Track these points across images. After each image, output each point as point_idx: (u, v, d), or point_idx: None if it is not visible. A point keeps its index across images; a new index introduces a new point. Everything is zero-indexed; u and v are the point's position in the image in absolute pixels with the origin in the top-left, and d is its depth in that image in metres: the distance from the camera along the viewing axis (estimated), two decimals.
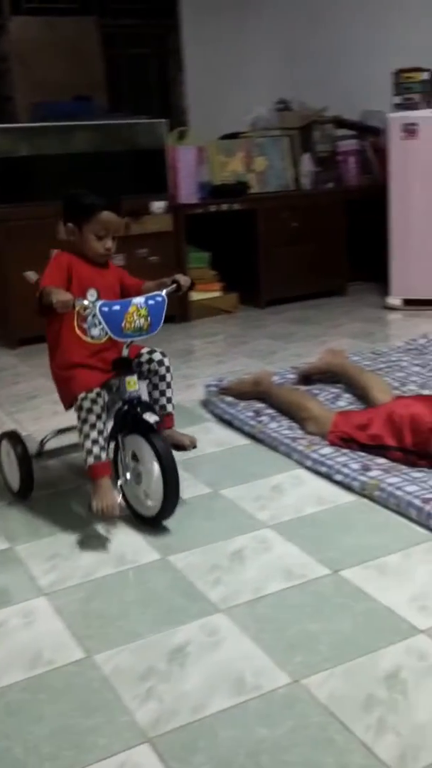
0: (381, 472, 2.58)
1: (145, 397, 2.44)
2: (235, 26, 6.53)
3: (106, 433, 2.31)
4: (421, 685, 1.62)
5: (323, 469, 2.69)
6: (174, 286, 2.45)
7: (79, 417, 2.29)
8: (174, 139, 5.34)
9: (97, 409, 2.27)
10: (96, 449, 2.27)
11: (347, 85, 5.90)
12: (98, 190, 2.38)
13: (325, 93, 5.79)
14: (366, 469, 2.62)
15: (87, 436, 2.27)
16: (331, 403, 3.28)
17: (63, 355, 2.41)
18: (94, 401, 2.27)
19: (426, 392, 3.35)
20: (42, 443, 2.71)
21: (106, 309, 2.20)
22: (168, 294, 2.37)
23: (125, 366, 2.33)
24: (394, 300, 5.25)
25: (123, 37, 6.38)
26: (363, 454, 2.74)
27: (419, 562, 2.11)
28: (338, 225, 5.62)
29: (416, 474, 2.55)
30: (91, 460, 2.28)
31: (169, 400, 2.52)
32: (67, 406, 2.44)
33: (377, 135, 5.61)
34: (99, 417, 2.28)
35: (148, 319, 2.26)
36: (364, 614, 1.88)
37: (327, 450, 2.79)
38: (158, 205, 5.02)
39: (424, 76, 4.98)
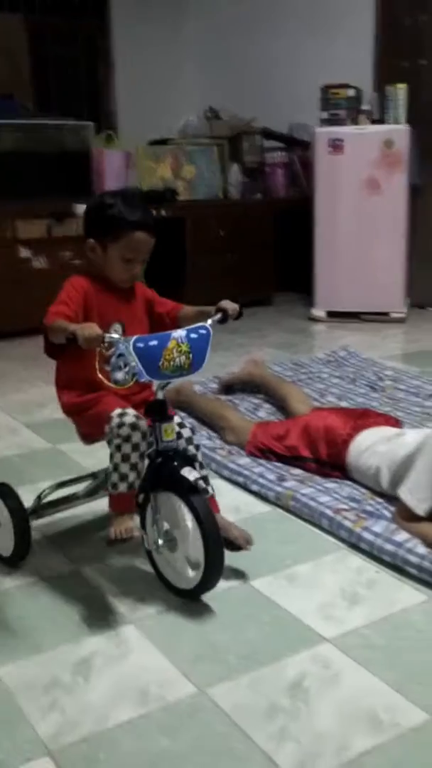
0: (296, 482, 2.65)
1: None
2: (167, 31, 6.57)
3: (139, 471, 1.96)
4: (323, 693, 1.67)
5: (240, 479, 2.73)
6: (219, 315, 2.07)
7: (111, 442, 1.93)
8: (101, 142, 5.34)
9: (136, 437, 1.92)
10: (123, 484, 1.94)
11: (276, 97, 6.02)
12: (130, 201, 2.00)
13: (254, 103, 5.90)
14: (281, 479, 2.68)
15: (116, 467, 1.93)
16: (251, 413, 3.34)
17: (85, 392, 2.06)
18: (133, 427, 1.91)
19: (344, 404, 3.44)
20: (39, 498, 2.27)
21: (141, 345, 1.83)
22: (214, 324, 2.02)
23: (161, 411, 1.94)
24: (318, 312, 5.37)
25: (51, 36, 6.33)
26: (280, 464, 2.80)
27: (328, 572, 2.17)
28: (265, 235, 5.72)
29: (329, 485, 2.62)
30: (121, 488, 1.95)
31: (206, 482, 2.08)
32: (92, 436, 2.10)
33: (305, 148, 5.74)
34: (136, 448, 1.93)
35: (190, 356, 1.89)
36: (271, 624, 1.92)
37: (244, 460, 2.84)
38: (82, 208, 4.99)
39: (350, 92, 5.12)
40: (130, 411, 1.94)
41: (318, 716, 1.60)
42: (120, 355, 1.86)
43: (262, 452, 2.88)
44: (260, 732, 1.56)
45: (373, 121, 5.12)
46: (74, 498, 2.34)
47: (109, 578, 2.13)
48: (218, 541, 1.91)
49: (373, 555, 2.22)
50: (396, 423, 2.90)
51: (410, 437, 2.53)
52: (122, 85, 6.53)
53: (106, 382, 2.03)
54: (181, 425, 2.07)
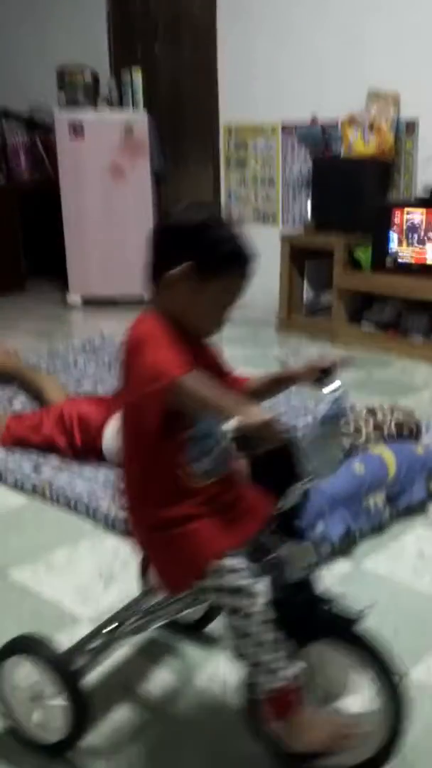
0: (52, 471, 2.77)
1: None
2: None
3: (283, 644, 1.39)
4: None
5: None
6: (319, 376, 1.51)
7: (232, 608, 1.37)
8: None
9: (256, 589, 1.38)
10: (283, 662, 1.37)
11: (17, 76, 5.96)
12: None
13: None
14: (38, 469, 2.78)
15: (260, 638, 1.36)
16: (5, 405, 3.38)
17: (165, 503, 1.43)
18: (251, 576, 1.38)
19: (100, 390, 3.59)
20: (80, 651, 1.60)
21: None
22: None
23: (291, 525, 1.44)
24: (73, 298, 5.46)
25: None
26: (36, 455, 2.90)
27: (85, 556, 2.32)
28: (11, 221, 5.69)
29: (86, 471, 2.77)
30: (279, 680, 1.37)
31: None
32: (182, 586, 1.48)
33: (47, 131, 5.77)
34: (261, 601, 1.38)
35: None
36: (30, 612, 2.04)
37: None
38: None
39: (87, 76, 5.22)
40: (240, 560, 1.38)
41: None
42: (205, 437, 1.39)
43: (18, 444, 2.95)
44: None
45: (113, 106, 5.26)
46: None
47: None
48: (407, 703, 1.41)
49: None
50: None
51: None
52: None
53: (185, 477, 1.42)
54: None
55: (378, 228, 4.37)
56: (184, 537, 1.39)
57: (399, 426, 2.74)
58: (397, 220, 4.29)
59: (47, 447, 2.92)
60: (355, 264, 4.52)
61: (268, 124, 5.12)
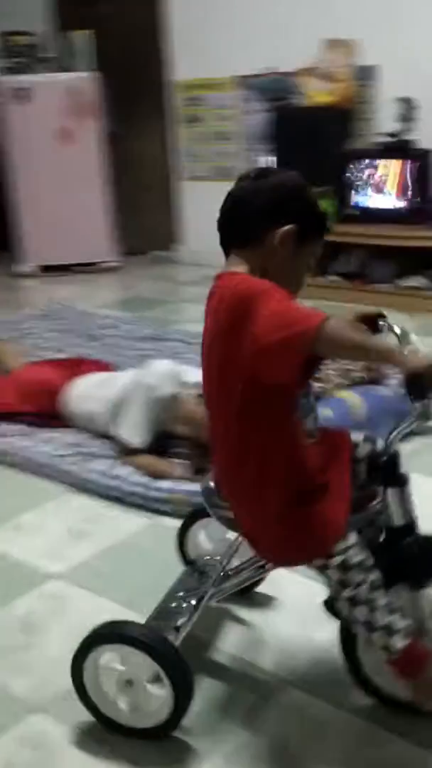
0: (16, 437, 2.71)
1: None
2: None
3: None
4: (52, 624, 1.79)
5: None
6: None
7: (344, 582, 1.36)
8: None
9: (369, 561, 1.38)
10: (402, 622, 1.38)
11: None
12: None
13: None
14: (2, 436, 2.72)
15: (373, 604, 1.36)
16: None
17: (293, 475, 1.38)
18: (361, 548, 1.38)
19: (62, 356, 3.53)
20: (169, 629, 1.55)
21: None
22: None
23: (394, 471, 1.42)
24: (28, 267, 5.35)
25: None
26: None
27: (53, 516, 2.28)
28: None
29: (50, 435, 2.71)
30: (400, 640, 1.37)
31: None
32: (301, 561, 1.46)
33: None
34: (372, 570, 1.38)
35: None
36: (1, 572, 2.00)
37: None
38: None
39: (32, 39, 5.08)
40: (351, 537, 1.38)
41: (49, 645, 1.72)
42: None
43: None
44: None
45: (60, 70, 5.13)
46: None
47: None
48: None
49: (100, 493, 2.36)
50: (107, 367, 3.06)
51: (121, 379, 2.70)
52: None
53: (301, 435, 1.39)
54: None
55: (340, 177, 4.32)
56: (311, 516, 1.35)
57: (368, 370, 2.73)
58: (359, 167, 4.25)
59: (9, 413, 2.86)
60: None
61: (224, 78, 5.02)
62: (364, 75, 4.45)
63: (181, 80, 5.24)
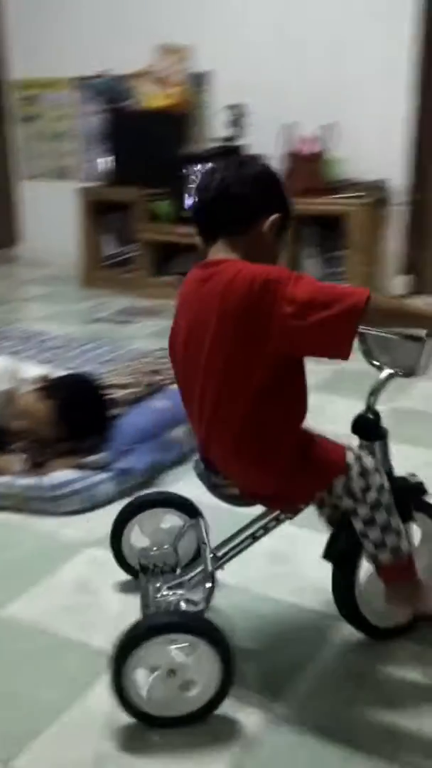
0: None
1: None
2: None
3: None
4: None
5: None
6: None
7: (367, 486, 1.48)
8: None
9: (378, 465, 1.54)
10: (404, 544, 1.52)
11: None
12: None
13: None
14: None
15: (391, 507, 1.50)
16: None
17: (292, 429, 1.51)
18: (376, 469, 1.51)
19: None
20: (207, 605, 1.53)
21: None
22: None
23: (378, 425, 1.59)
24: None
25: None
26: None
27: None
28: None
29: None
30: (408, 544, 1.54)
31: None
32: (307, 494, 1.55)
33: None
34: (383, 474, 1.54)
35: None
36: None
37: None
38: None
39: None
40: (354, 448, 1.54)
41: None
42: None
43: None
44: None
45: None
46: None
47: None
48: None
49: None
50: None
51: None
52: None
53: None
54: None
55: (175, 180, 4.45)
56: (317, 450, 1.49)
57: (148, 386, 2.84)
58: (193, 171, 4.39)
59: None
60: (155, 216, 4.58)
61: (61, 78, 5.04)
62: (198, 81, 4.62)
63: (18, 79, 5.20)
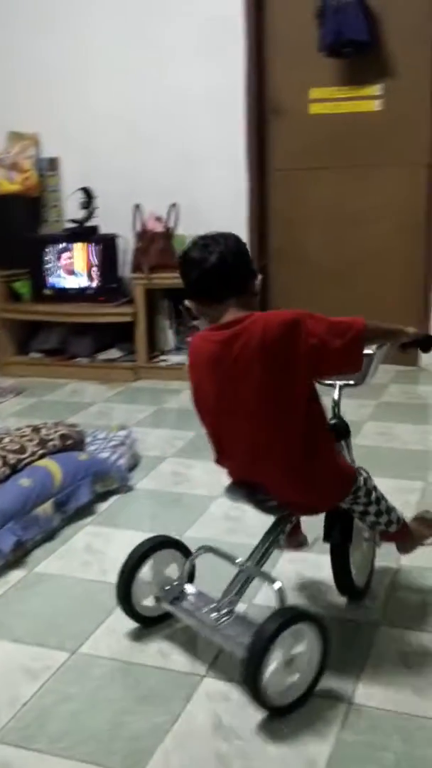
0: None
1: None
2: None
3: None
4: None
5: None
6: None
7: (369, 492, 1.91)
8: None
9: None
10: (395, 515, 2.01)
11: None
12: None
13: None
14: None
15: (383, 495, 1.98)
16: None
17: (328, 439, 1.92)
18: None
19: None
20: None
21: None
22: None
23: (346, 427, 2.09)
24: None
25: None
26: None
27: None
28: None
29: None
30: (402, 517, 2.04)
31: None
32: (333, 502, 1.93)
33: None
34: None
35: None
36: None
37: None
38: None
39: None
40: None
41: None
42: None
43: None
44: None
45: None
46: None
47: None
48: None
49: None
50: None
51: None
52: None
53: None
54: None
55: (33, 261, 4.60)
56: (338, 464, 1.87)
57: (63, 438, 2.96)
58: (50, 251, 4.56)
59: None
60: (16, 296, 4.69)
61: None
62: (47, 166, 4.82)
63: None
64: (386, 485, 2.79)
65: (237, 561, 1.87)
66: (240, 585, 1.86)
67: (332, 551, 2.03)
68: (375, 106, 4.34)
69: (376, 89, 4.32)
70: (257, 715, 1.67)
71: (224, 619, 1.81)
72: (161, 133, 4.58)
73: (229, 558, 1.89)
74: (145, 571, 1.96)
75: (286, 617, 1.66)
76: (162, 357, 4.50)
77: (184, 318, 4.42)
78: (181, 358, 4.42)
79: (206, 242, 1.77)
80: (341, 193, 4.48)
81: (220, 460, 1.87)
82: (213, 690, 1.76)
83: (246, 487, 1.85)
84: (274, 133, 4.53)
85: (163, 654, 1.90)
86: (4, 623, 2.06)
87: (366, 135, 4.37)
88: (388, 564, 2.26)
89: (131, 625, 2.00)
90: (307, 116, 4.44)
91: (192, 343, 1.84)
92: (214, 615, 1.82)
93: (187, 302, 1.82)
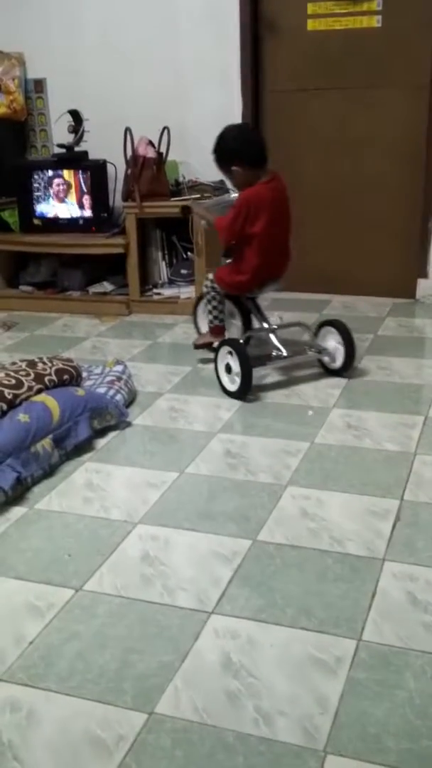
0: None
1: None
2: None
3: None
4: None
5: None
6: None
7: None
8: None
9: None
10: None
11: None
12: None
13: None
14: None
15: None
16: None
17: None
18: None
19: None
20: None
21: None
22: None
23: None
24: None
25: None
26: None
27: None
28: None
29: None
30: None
31: None
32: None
33: None
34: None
35: None
36: None
37: None
38: None
39: None
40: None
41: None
42: None
43: None
44: None
45: None
46: None
47: None
48: None
49: None
50: None
51: None
52: None
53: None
54: None
55: (20, 189, 4.45)
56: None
57: (60, 372, 2.90)
58: (38, 179, 4.40)
59: None
60: (4, 227, 4.56)
61: None
62: (34, 87, 4.62)
63: None
64: (388, 420, 2.81)
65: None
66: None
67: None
68: (376, 22, 4.16)
69: (374, 4, 4.13)
70: (267, 652, 1.66)
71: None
72: (152, 53, 4.39)
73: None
74: None
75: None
76: (155, 290, 4.41)
77: (177, 250, 4.32)
78: (173, 291, 4.33)
79: (247, 128, 3.41)
80: (338, 115, 4.32)
81: (262, 268, 3.14)
82: (221, 627, 1.75)
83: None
84: (270, 52, 4.34)
85: (169, 591, 1.89)
86: (6, 560, 2.05)
87: (365, 54, 4.20)
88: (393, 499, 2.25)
89: (136, 561, 1.99)
90: (304, 33, 4.25)
91: (254, 191, 3.04)
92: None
93: (234, 168, 3.07)
